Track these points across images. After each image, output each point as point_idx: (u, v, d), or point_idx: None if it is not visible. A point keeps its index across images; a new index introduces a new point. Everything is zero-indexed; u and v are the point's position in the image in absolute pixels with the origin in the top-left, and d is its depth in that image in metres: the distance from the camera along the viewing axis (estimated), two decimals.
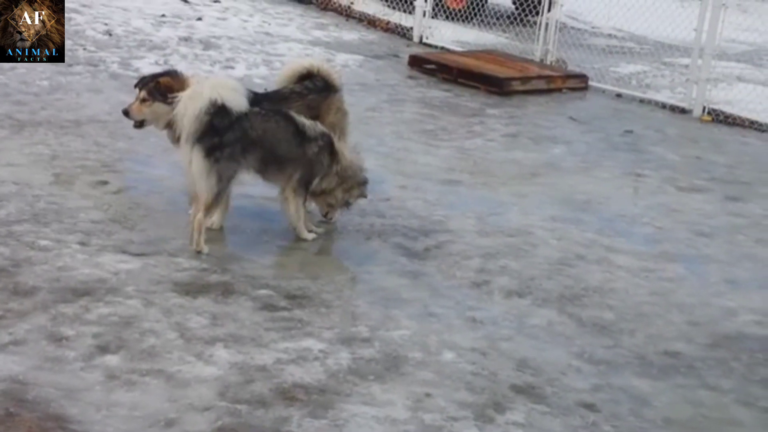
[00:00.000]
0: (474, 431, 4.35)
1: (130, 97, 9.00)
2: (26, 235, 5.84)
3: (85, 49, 10.88)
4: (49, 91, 9.09)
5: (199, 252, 5.88)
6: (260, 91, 7.25)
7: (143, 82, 6.34)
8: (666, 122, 10.99)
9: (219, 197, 5.96)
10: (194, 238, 5.91)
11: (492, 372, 4.88)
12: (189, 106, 5.74)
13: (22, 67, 9.65)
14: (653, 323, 5.70)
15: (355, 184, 6.46)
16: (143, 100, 6.25)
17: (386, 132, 9.21)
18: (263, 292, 5.47)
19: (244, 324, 5.06)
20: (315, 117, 6.65)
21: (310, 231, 6.37)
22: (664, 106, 11.64)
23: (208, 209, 5.92)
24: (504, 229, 6.91)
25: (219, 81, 6.06)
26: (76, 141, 7.75)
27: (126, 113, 6.35)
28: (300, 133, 6.22)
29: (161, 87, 6.21)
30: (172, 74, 6.40)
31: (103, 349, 4.64)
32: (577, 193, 7.97)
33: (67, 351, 4.59)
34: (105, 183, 6.90)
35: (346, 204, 6.54)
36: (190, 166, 5.87)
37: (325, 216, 6.56)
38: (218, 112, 5.76)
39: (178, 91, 6.05)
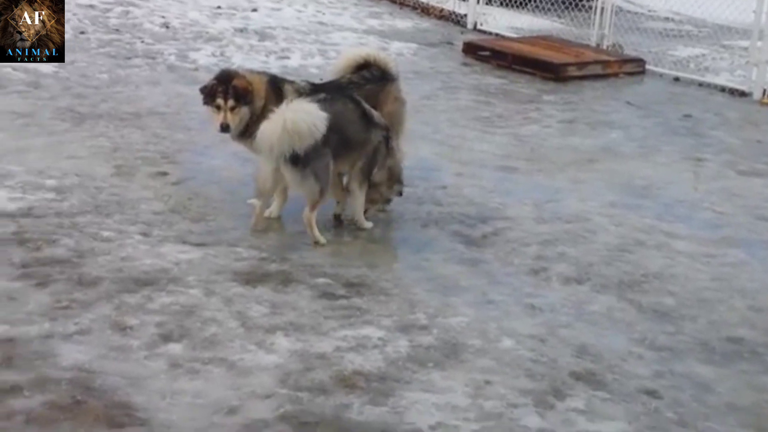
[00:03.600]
0: (534, 418, 4.35)
1: (187, 88, 9.21)
2: (89, 226, 5.94)
3: (142, 41, 11.01)
4: (108, 84, 9.22)
5: (317, 243, 5.98)
6: (316, 81, 7.30)
7: (221, 91, 6.23)
8: (725, 106, 10.83)
9: (323, 192, 5.98)
10: (310, 233, 5.99)
11: (551, 359, 4.87)
12: (273, 148, 5.76)
13: (82, 61, 9.84)
14: (715, 309, 5.64)
15: (397, 181, 6.50)
16: (233, 108, 6.23)
17: (441, 120, 9.20)
18: (322, 280, 5.51)
19: (304, 312, 5.10)
20: (373, 106, 6.66)
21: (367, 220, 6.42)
22: (723, 89, 11.46)
23: (314, 206, 5.97)
24: (562, 216, 6.88)
25: (298, 125, 5.75)
26: (135, 133, 7.85)
27: (226, 127, 6.27)
28: (367, 117, 6.25)
29: (242, 90, 6.22)
30: (233, 74, 6.38)
31: (166, 338, 4.71)
32: (635, 178, 7.90)
33: (132, 340, 4.66)
34: (165, 174, 6.98)
35: (387, 200, 6.56)
36: (272, 173, 5.90)
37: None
38: None
39: (249, 88, 6.22)
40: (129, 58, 10.22)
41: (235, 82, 6.25)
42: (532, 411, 4.40)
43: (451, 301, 5.42)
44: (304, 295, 5.32)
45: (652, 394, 4.64)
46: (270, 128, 5.78)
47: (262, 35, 11.93)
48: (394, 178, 6.49)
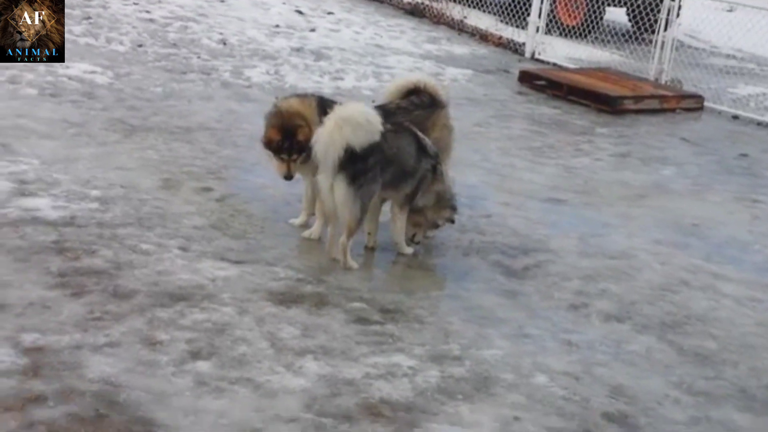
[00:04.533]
0: None
1: (239, 105, 9.27)
2: (129, 238, 5.94)
3: (199, 57, 11.07)
4: (162, 97, 9.27)
5: (348, 268, 5.91)
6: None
7: (286, 148, 6.14)
8: None
9: (362, 221, 5.95)
10: (342, 260, 5.93)
11: (584, 398, 4.75)
12: (329, 149, 5.67)
13: (137, 73, 9.91)
14: (759, 355, 5.49)
15: (446, 206, 6.39)
16: (296, 159, 6.20)
17: (492, 148, 9.12)
18: (357, 305, 5.44)
19: (335, 336, 5.04)
20: (421, 132, 6.63)
21: (408, 246, 6.36)
22: None
23: (352, 233, 5.91)
24: (606, 252, 6.76)
25: (351, 118, 5.73)
26: (184, 147, 7.87)
27: (290, 178, 6.27)
28: (421, 148, 6.20)
29: (305, 143, 6.05)
30: (295, 125, 6.15)
31: (195, 355, 4.67)
32: (685, 216, 7.76)
33: (160, 355, 4.63)
34: (209, 189, 6.98)
35: (435, 225, 6.47)
36: (330, 192, 5.83)
37: (412, 239, 6.45)
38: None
39: (310, 136, 5.99)
40: (184, 73, 10.28)
41: (300, 137, 6.12)
42: None
43: (486, 333, 5.34)
44: (338, 318, 5.26)
45: None
46: (325, 129, 5.71)
47: (318, 55, 11.96)
48: (442, 204, 6.41)
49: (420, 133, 6.30)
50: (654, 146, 10.01)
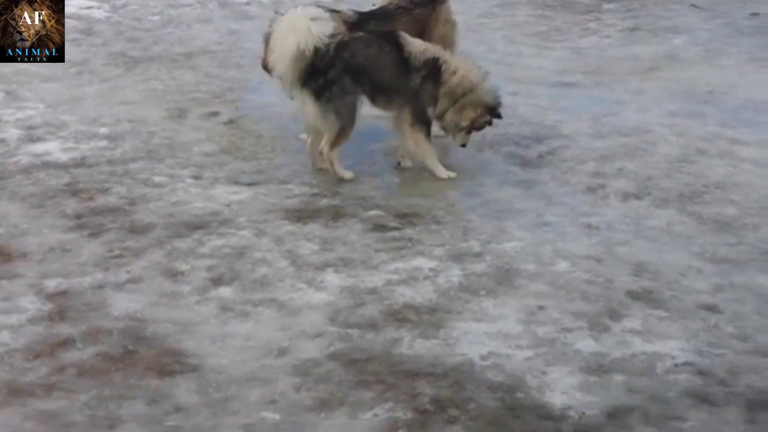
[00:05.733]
0: (588, 342, 4.25)
1: (239, 24, 9.18)
2: (141, 172, 5.95)
3: None
4: (160, 25, 9.20)
5: (341, 179, 5.88)
6: (366, 9, 7.17)
7: None
8: None
9: (344, 130, 5.86)
10: (332, 170, 5.89)
11: (607, 279, 4.75)
12: (281, 57, 5.65)
13: (134, 3, 9.81)
14: None
15: (468, 104, 5.99)
16: None
17: (497, 38, 9.00)
18: (373, 213, 5.44)
19: (354, 247, 5.05)
20: (423, 30, 6.55)
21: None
22: None
23: (335, 144, 5.87)
24: (620, 130, 6.69)
25: (294, 20, 5.72)
26: (187, 74, 7.84)
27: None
28: (404, 61, 5.95)
29: None
30: None
31: (217, 282, 4.70)
32: (698, 84, 7.65)
33: (183, 285, 4.66)
34: (216, 114, 6.96)
35: (460, 128, 6.06)
36: (305, 107, 5.83)
37: (463, 146, 6.23)
38: (314, 53, 5.65)
39: None
40: None
41: None
42: (587, 334, 4.30)
43: (505, 226, 5.33)
44: (355, 229, 5.26)
45: (711, 309, 4.51)
46: (273, 42, 5.71)
47: None
48: (465, 101, 5.99)
49: (408, 45, 5.96)
50: (662, 16, 9.84)
